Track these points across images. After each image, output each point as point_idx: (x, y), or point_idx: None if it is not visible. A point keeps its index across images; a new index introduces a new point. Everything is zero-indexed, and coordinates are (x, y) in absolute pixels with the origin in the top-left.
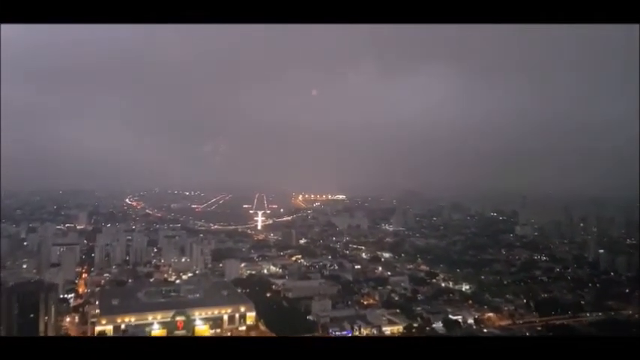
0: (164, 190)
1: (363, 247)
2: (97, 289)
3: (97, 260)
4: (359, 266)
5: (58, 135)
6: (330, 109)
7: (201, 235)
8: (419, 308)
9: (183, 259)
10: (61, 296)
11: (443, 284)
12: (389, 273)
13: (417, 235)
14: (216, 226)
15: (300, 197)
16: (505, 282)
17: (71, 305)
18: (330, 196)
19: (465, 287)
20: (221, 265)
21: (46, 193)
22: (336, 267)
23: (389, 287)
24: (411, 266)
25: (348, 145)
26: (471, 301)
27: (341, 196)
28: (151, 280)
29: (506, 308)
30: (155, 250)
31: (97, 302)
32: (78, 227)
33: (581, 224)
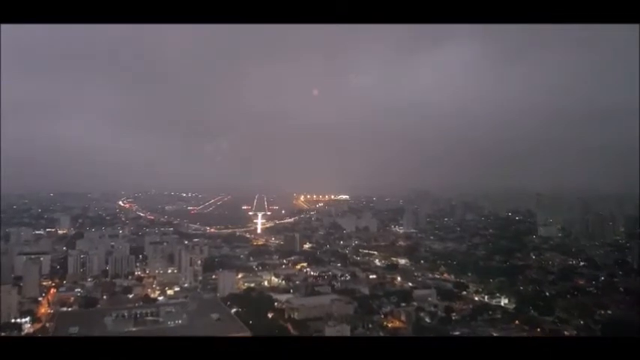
0: (161, 191)
1: (375, 253)
2: (65, 309)
3: (71, 272)
4: (374, 276)
5: (52, 133)
6: (331, 103)
7: (196, 239)
8: (458, 333)
9: (169, 270)
10: (13, 321)
11: (476, 297)
12: (410, 284)
13: (432, 237)
14: (212, 230)
15: (302, 198)
16: (548, 294)
17: (24, 333)
18: (332, 197)
19: (504, 301)
20: (214, 276)
21: (35, 195)
22: (348, 277)
23: (415, 303)
24: (434, 275)
25: (347, 142)
26: (517, 322)
27: (344, 196)
28: (130, 296)
29: (566, 333)
30: (141, 258)
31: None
32: (60, 232)
33: (610, 223)
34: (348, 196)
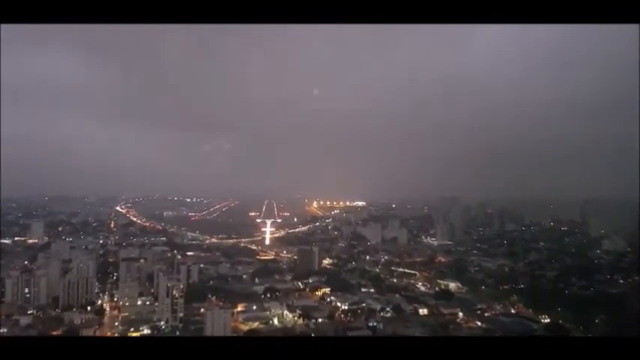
0: (165, 195)
1: (414, 273)
2: None
3: (8, 300)
4: (425, 310)
5: (57, 134)
6: (333, 98)
7: (191, 252)
8: None
9: (140, 301)
10: None
11: None
12: (480, 324)
13: (475, 252)
14: (212, 240)
15: (315, 204)
16: None
17: None
18: (348, 203)
19: None
20: (202, 309)
21: (26, 199)
22: (390, 312)
23: None
24: (506, 308)
25: (356, 141)
26: None
27: (360, 203)
28: None
29: None
30: (114, 278)
31: None
32: (29, 241)
33: None
34: (364, 203)
